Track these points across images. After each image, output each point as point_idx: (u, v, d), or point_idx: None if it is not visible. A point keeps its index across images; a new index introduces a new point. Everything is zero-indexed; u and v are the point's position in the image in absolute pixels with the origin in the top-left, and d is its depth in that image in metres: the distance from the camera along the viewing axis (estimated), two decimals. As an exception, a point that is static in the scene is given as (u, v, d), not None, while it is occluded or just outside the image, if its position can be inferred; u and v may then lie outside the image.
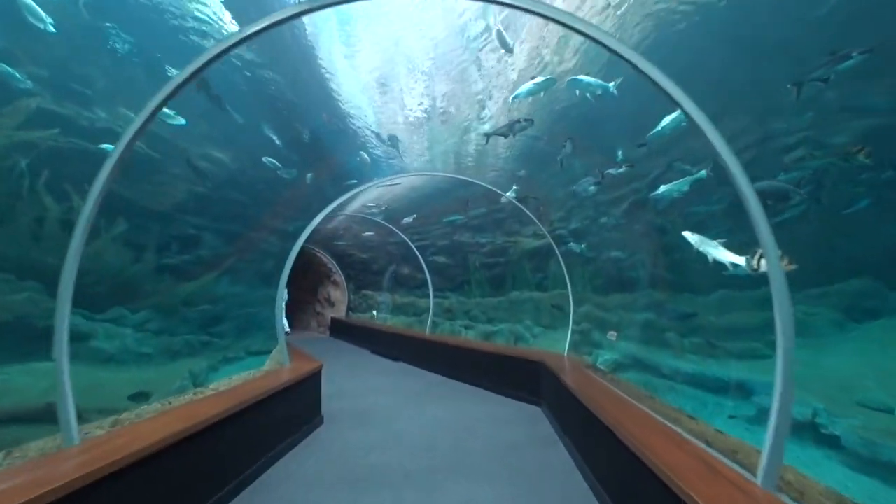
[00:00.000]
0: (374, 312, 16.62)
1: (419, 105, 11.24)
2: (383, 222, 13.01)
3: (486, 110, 9.67)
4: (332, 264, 20.13)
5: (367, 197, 12.69)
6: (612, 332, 8.45)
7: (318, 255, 20.12)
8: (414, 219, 13.34)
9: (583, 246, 9.58)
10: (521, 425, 6.52)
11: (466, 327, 12.74)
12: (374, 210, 13.68)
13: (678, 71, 2.95)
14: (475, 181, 8.77)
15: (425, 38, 8.58)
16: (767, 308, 2.84)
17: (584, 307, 9.44)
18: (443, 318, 13.67)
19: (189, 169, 9.66)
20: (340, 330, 18.12)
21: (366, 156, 9.93)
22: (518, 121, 7.21)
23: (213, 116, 11.32)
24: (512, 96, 7.21)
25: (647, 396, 6.06)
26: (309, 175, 10.61)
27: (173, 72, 7.97)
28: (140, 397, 7.08)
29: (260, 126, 11.67)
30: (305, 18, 7.74)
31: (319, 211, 7.33)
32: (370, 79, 9.65)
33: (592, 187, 7.91)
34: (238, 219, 11.91)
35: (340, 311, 19.77)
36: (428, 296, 13.99)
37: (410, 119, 10.41)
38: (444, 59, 8.91)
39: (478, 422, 6.64)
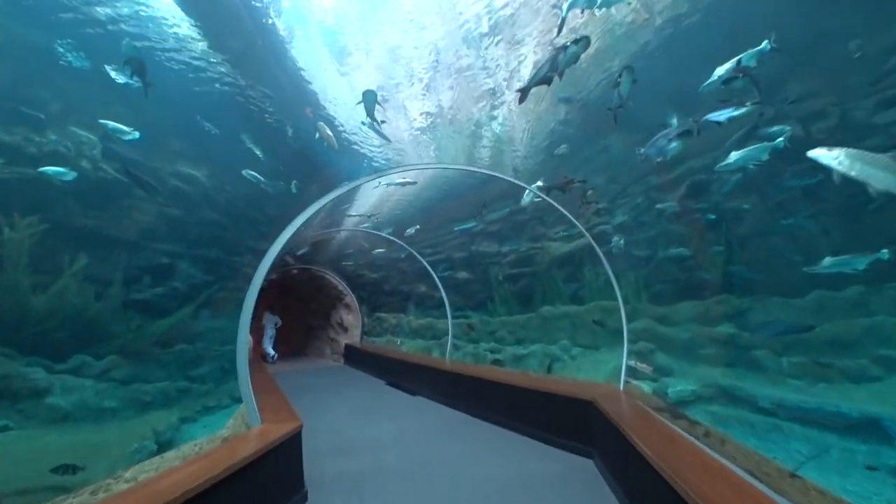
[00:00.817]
0: (399, 340, 15.06)
1: (423, 113, 10.18)
2: (389, 237, 11.53)
3: (498, 111, 8.35)
4: (342, 286, 18.78)
5: (363, 205, 11.27)
6: (644, 365, 6.72)
7: (328, 277, 18.84)
8: (417, 230, 11.83)
9: (622, 243, 7.90)
10: (571, 490, 4.85)
11: (492, 352, 11.08)
12: (365, 223, 12.23)
13: None
14: (493, 174, 7.20)
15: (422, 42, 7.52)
16: (863, 311, 1.52)
17: (640, 321, 7.76)
18: (464, 341, 12.06)
19: (131, 181, 8.23)
20: (354, 358, 16.68)
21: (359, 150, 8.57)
22: (564, 46, 4.95)
23: (185, 130, 10.15)
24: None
25: (747, 454, 4.36)
26: (294, 183, 9.25)
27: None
28: (67, 471, 5.66)
29: (238, 137, 10.44)
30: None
31: (298, 215, 5.89)
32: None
33: (675, 144, 5.66)
34: (217, 243, 10.61)
35: (355, 337, 18.33)
36: (447, 316, 12.41)
37: (416, 127, 9.21)
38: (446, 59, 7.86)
39: (514, 487, 5.00)
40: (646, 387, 6.45)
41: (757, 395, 5.76)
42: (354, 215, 12.06)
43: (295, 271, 18.35)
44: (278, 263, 16.56)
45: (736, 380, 6.06)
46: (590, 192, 7.85)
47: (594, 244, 6.24)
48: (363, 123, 8.31)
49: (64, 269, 8.60)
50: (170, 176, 10.46)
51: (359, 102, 6.76)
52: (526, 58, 7.68)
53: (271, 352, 18.52)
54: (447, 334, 12.44)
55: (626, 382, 6.07)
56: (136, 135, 8.19)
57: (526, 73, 7.68)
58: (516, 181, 6.75)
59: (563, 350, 10.45)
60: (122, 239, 9.67)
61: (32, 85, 8.72)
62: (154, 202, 9.98)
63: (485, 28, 7.40)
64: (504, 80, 9.70)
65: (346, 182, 5.34)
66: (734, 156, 5.61)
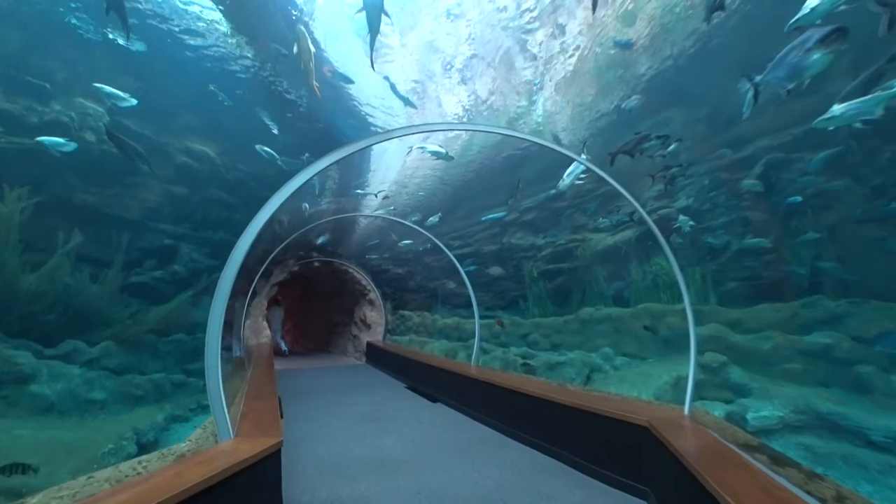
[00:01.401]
0: (408, 338, 14.14)
1: (459, 103, 9.44)
2: (414, 225, 10.53)
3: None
4: (366, 281, 17.93)
5: (380, 181, 10.39)
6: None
7: (351, 271, 18.00)
8: (440, 218, 10.78)
9: (689, 225, 6.66)
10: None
11: (524, 357, 9.95)
12: (383, 207, 11.29)
13: None
14: (535, 140, 6.00)
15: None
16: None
17: (706, 327, 6.50)
18: (493, 344, 10.97)
19: (112, 143, 7.54)
20: (376, 357, 15.80)
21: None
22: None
23: (198, 104, 9.50)
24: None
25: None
26: (306, 156, 8.47)
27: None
28: (15, 471, 4.88)
29: (254, 110, 9.74)
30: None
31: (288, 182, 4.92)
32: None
33: (817, 55, 3.76)
34: (224, 224, 9.90)
35: (378, 335, 17.45)
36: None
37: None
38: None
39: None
40: (717, 410, 5.21)
41: (867, 425, 4.46)
42: (369, 192, 11.14)
43: (317, 264, 17.60)
44: (299, 254, 15.91)
45: (837, 404, 4.76)
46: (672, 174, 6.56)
47: (657, 232, 5.03)
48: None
49: (56, 248, 8.09)
50: (179, 152, 9.89)
51: (359, 11, 5.88)
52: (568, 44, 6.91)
53: (284, 346, 17.87)
54: (473, 335, 11.35)
55: (692, 403, 4.84)
56: (134, 101, 7.79)
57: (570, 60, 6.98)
58: (561, 149, 5.55)
59: (605, 359, 9.26)
60: (124, 218, 9.08)
61: (39, 53, 8.32)
62: (161, 178, 9.43)
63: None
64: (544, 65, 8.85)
65: (349, 142, 4.33)
66: (838, 109, 4.34)
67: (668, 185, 6.67)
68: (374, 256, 16.43)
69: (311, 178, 4.38)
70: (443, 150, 8.80)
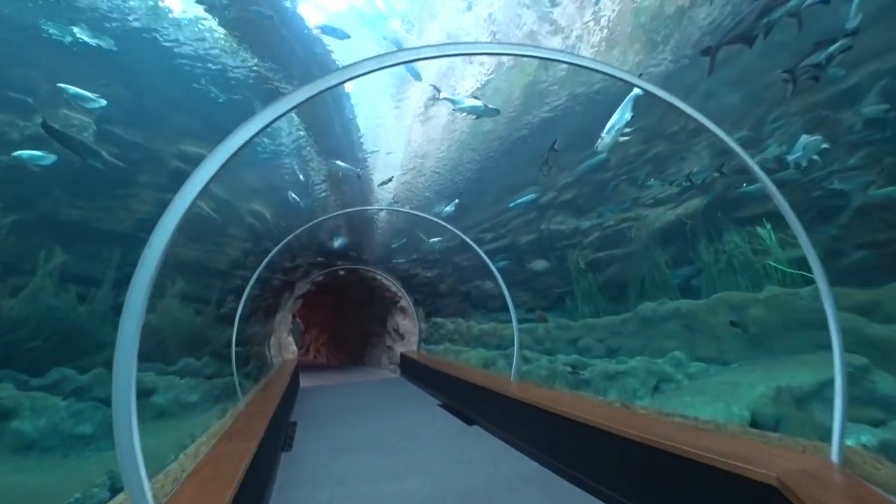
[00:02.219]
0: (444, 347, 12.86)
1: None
2: (432, 217, 9.17)
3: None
4: (396, 287, 16.78)
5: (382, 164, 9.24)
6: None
7: (379, 277, 16.90)
8: (457, 206, 9.43)
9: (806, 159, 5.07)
10: None
11: (574, 367, 8.41)
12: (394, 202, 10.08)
13: None
14: (588, 65, 4.30)
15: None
16: None
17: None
18: (537, 351, 9.50)
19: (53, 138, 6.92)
20: (409, 369, 14.66)
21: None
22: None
23: (191, 104, 8.92)
24: None
25: None
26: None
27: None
28: None
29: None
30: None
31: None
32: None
33: None
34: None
35: (412, 345, 16.26)
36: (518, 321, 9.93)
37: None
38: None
39: None
40: (863, 436, 3.59)
41: None
42: (370, 152, 9.85)
43: (342, 272, 16.61)
44: (317, 261, 14.88)
45: None
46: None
47: (761, 176, 3.47)
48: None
49: (38, 268, 7.40)
50: (171, 157, 9.07)
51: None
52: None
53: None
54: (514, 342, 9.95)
55: (842, 445, 3.23)
56: (103, 102, 7.24)
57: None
58: (617, 72, 3.98)
59: (675, 365, 7.66)
60: (114, 232, 8.35)
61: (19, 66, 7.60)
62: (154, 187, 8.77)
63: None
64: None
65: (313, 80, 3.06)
66: None
67: (820, 70, 4.73)
68: (401, 260, 15.24)
69: (285, 160, 3.11)
70: (480, 104, 7.24)
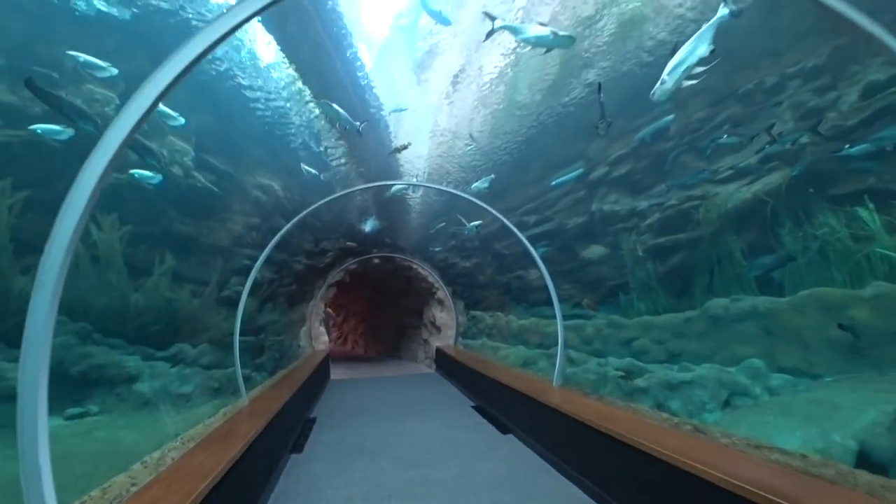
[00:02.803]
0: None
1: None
2: (469, 197, 8.26)
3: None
4: (433, 278, 16.02)
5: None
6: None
7: (415, 267, 16.18)
8: (492, 182, 8.48)
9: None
10: None
11: (628, 373, 7.35)
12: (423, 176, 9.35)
13: None
14: None
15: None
16: None
17: None
18: (584, 353, 8.44)
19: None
20: (444, 366, 13.89)
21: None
22: None
23: (264, 140, 9.96)
24: None
25: None
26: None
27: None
28: None
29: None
30: None
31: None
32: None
33: None
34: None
35: (449, 338, 15.48)
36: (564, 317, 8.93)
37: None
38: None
39: None
40: None
41: None
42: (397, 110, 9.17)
43: (377, 261, 15.98)
44: (347, 246, 14.28)
45: None
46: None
47: None
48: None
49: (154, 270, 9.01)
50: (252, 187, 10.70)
51: None
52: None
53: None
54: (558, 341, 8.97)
55: None
56: (114, 71, 7.23)
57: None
58: None
59: (752, 376, 6.50)
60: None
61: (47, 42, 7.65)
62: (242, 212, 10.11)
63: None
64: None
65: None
66: None
67: None
68: (437, 248, 14.43)
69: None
70: (548, 32, 5.86)
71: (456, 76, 10.05)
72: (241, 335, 9.68)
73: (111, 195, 8.47)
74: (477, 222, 10.83)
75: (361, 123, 8.44)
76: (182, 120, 8.05)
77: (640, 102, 7.00)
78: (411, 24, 10.83)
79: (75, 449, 6.50)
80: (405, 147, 9.01)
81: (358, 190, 7.33)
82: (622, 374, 7.58)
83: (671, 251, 7.89)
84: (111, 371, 8.13)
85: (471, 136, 9.49)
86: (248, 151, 10.02)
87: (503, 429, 7.58)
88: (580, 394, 6.55)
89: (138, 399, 8.10)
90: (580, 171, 8.68)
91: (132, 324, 8.70)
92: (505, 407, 7.94)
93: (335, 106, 8.10)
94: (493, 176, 8.88)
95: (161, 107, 7.34)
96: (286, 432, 6.81)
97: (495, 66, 9.28)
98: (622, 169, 8.55)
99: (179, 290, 9.22)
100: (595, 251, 9.19)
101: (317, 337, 15.67)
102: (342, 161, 10.32)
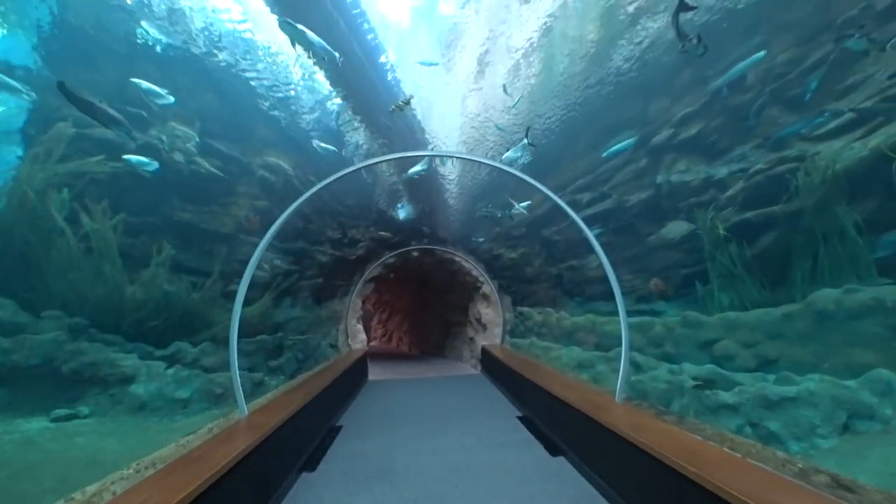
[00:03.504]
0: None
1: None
2: (507, 168, 7.09)
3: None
4: (478, 271, 14.94)
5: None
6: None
7: (458, 260, 15.16)
8: (528, 149, 7.37)
9: None
10: None
11: (708, 383, 6.02)
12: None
13: None
14: None
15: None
16: None
17: None
18: (651, 356, 7.16)
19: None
20: (490, 367, 12.90)
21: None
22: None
23: (272, 118, 9.74)
24: None
25: None
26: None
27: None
28: None
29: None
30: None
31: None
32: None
33: None
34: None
35: (495, 337, 14.41)
36: (618, 312, 7.67)
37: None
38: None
39: None
40: None
41: None
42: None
43: (415, 253, 15.06)
44: (380, 236, 13.44)
45: None
46: None
47: None
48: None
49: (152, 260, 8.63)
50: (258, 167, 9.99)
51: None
52: None
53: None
54: (619, 342, 7.69)
55: None
56: (171, 99, 7.91)
57: None
58: None
59: (880, 392, 5.11)
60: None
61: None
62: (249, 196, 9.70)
63: None
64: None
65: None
66: None
67: None
68: (480, 239, 13.34)
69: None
70: None
71: (482, 56, 9.51)
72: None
73: (105, 184, 8.31)
74: (524, 204, 9.66)
75: (340, 57, 7.78)
76: (171, 98, 7.93)
77: (712, 51, 5.68)
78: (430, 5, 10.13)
79: (51, 456, 6.11)
80: (407, 102, 8.04)
81: (374, 163, 6.38)
82: (699, 383, 6.25)
83: (761, 229, 6.44)
84: (105, 370, 7.75)
85: (504, 88, 8.63)
86: (255, 131, 9.57)
87: (553, 449, 6.43)
88: (651, 414, 5.30)
89: (133, 402, 7.72)
90: (633, 139, 7.45)
91: (129, 319, 8.30)
92: (556, 422, 6.78)
93: (303, 28, 7.22)
94: (527, 141, 7.73)
95: (146, 84, 7.71)
96: (294, 448, 5.97)
97: (527, 39, 8.68)
98: (691, 129, 7.15)
99: (178, 281, 8.73)
100: (676, 229, 7.70)
101: (354, 335, 14.95)
102: (362, 138, 9.60)
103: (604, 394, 6.26)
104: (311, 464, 6.22)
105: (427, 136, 10.20)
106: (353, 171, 6.16)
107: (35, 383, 7.39)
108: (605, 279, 6.32)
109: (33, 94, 8.45)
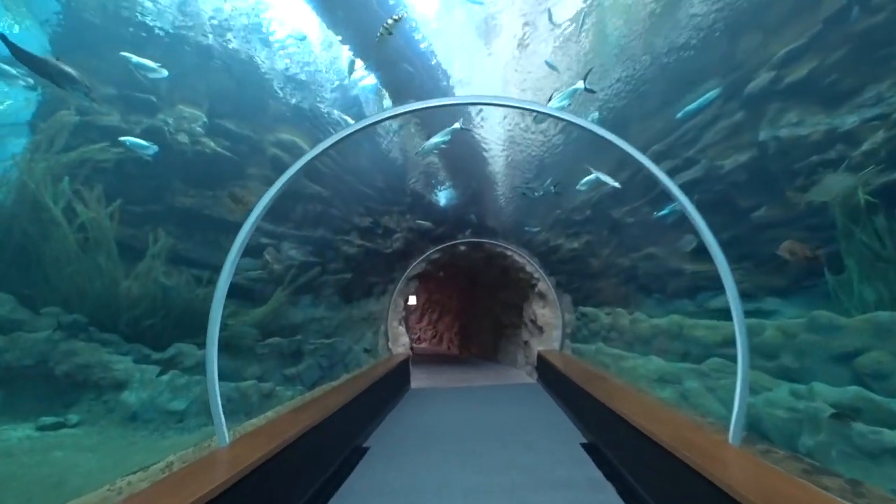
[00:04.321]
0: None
1: None
2: (596, 129, 5.59)
3: None
4: (532, 266, 13.49)
5: None
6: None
7: (510, 254, 13.78)
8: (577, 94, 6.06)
9: None
10: None
11: (853, 412, 4.33)
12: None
13: None
14: None
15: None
16: None
17: None
18: (767, 373, 5.50)
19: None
20: (547, 376, 11.62)
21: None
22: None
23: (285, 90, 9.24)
24: None
25: None
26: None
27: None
28: None
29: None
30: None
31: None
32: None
33: None
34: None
35: (553, 341, 12.99)
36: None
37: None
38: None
39: None
40: None
41: None
42: None
43: (462, 247, 13.78)
44: (418, 225, 12.24)
45: None
46: None
47: None
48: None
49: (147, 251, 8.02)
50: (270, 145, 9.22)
51: None
52: None
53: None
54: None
55: None
56: (164, 73, 7.60)
57: None
58: None
59: None
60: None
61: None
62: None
63: None
64: None
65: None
66: None
67: None
68: (535, 228, 11.85)
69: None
70: None
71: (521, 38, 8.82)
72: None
73: (102, 171, 7.86)
74: (592, 176, 8.15)
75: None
76: (164, 72, 7.57)
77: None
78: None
79: (21, 472, 5.58)
80: (397, 21, 6.92)
81: (389, 117, 5.14)
82: (838, 413, 4.57)
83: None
84: (98, 373, 7.10)
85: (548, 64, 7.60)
86: (267, 107, 8.96)
87: (632, 498, 4.92)
88: (792, 470, 3.71)
89: (124, 412, 7.02)
90: (716, 90, 5.90)
91: (125, 317, 7.62)
92: (635, 460, 5.25)
93: None
94: (583, 85, 6.35)
95: (136, 58, 7.36)
96: (289, 487, 4.78)
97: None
98: (801, 69, 5.41)
99: (178, 275, 7.98)
100: (829, 186, 5.77)
101: (395, 338, 13.82)
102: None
103: (707, 430, 4.68)
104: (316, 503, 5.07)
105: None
106: (362, 131, 4.86)
107: (29, 385, 6.87)
108: (692, 273, 4.80)
109: (39, 87, 8.19)
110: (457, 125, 8.04)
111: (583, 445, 6.75)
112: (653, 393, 7.38)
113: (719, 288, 4.36)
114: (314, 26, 8.76)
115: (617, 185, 7.50)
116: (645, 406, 5.63)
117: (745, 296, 6.03)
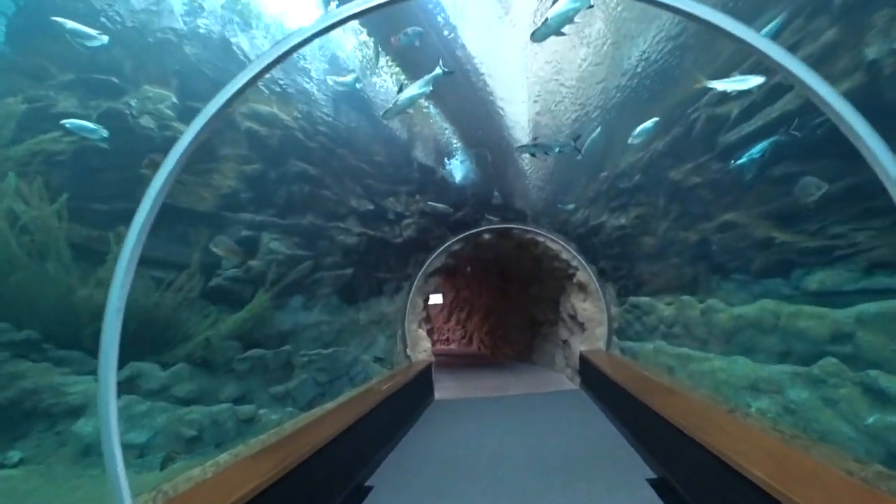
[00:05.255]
0: None
1: None
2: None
3: None
4: (568, 252, 11.92)
5: None
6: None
7: (541, 240, 12.24)
8: None
9: None
10: None
11: None
12: None
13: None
14: None
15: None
16: None
17: None
18: (874, 402, 3.88)
19: None
20: (591, 380, 10.14)
21: None
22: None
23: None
24: None
25: None
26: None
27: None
28: None
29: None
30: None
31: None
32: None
33: None
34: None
35: (597, 339, 11.49)
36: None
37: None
38: None
39: None
40: None
41: None
42: None
43: (487, 236, 12.34)
44: (432, 208, 10.86)
45: None
46: None
47: None
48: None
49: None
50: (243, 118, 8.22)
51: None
52: None
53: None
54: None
55: None
56: (105, 39, 7.17)
57: None
58: None
59: None
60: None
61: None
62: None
63: None
64: None
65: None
66: None
67: None
68: (569, 206, 10.30)
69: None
70: None
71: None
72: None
73: (56, 164, 7.20)
74: (647, 126, 6.67)
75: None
76: (104, 38, 7.15)
77: None
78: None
79: None
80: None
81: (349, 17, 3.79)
82: None
83: None
84: (47, 399, 6.15)
85: None
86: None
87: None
88: None
89: (77, 445, 6.04)
90: (780, 19, 4.46)
91: (87, 330, 6.66)
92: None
93: None
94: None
95: (70, 24, 6.90)
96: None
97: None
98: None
99: (137, 277, 6.76)
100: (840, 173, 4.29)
101: (415, 343, 12.42)
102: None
103: (841, 477, 3.11)
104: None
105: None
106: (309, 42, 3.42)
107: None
108: (780, 242, 3.16)
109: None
110: (438, 70, 6.58)
111: (651, 483, 5.19)
112: (743, 406, 5.74)
113: (842, 259, 2.80)
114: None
115: (760, 79, 5.44)
116: (740, 429, 4.05)
117: (879, 266, 4.41)
